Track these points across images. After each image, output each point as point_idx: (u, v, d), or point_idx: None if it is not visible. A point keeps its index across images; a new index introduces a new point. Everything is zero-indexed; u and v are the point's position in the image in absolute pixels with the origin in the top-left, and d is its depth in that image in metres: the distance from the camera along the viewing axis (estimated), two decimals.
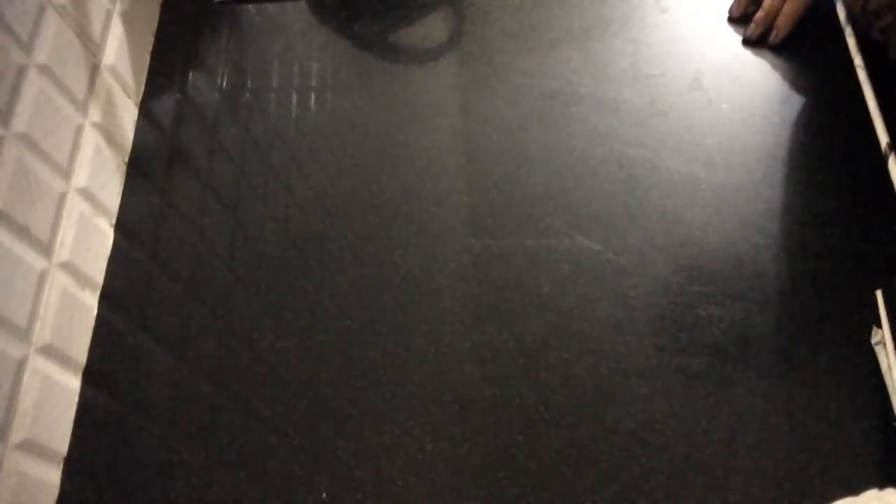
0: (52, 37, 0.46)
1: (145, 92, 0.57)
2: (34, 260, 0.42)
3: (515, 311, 0.46)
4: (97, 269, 0.49)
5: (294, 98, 0.57)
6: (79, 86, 0.48)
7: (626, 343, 0.44)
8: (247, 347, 0.47)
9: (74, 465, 0.43)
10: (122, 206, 0.52)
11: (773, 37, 0.53)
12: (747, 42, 0.54)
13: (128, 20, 0.55)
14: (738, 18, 0.56)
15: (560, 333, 0.45)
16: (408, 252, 0.49)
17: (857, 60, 0.49)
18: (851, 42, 0.49)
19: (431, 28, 0.59)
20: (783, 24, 0.53)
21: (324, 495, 0.41)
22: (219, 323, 0.47)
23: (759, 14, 0.54)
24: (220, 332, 0.47)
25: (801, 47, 0.54)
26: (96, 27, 0.51)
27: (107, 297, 0.48)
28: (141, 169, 0.53)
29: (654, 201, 0.49)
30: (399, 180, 0.52)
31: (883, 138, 0.46)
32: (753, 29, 0.54)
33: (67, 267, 0.45)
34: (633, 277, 0.46)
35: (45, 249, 0.43)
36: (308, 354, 0.46)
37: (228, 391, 0.45)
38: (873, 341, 0.42)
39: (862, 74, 0.48)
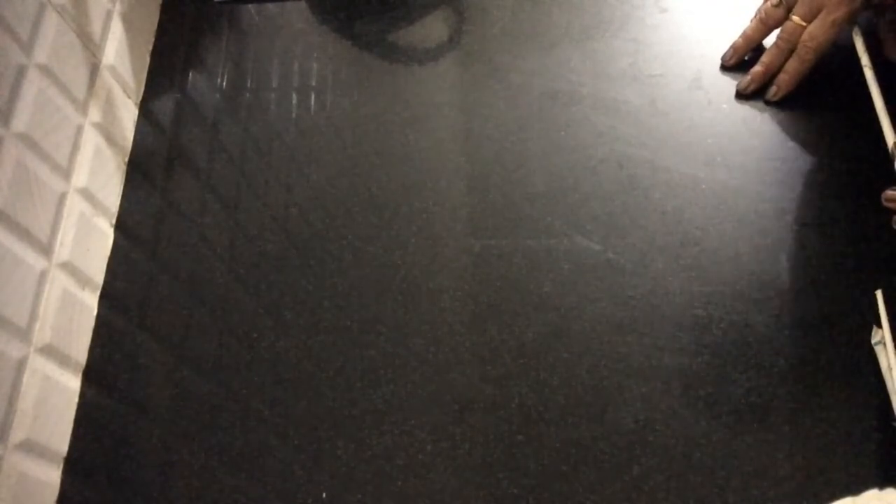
0: (52, 37, 0.46)
1: (145, 92, 0.57)
2: (34, 260, 0.42)
3: (515, 311, 0.46)
4: (97, 269, 0.49)
5: (294, 98, 0.57)
6: (79, 86, 0.48)
7: (626, 343, 0.44)
8: (247, 347, 0.47)
9: (74, 465, 0.43)
10: (122, 206, 0.52)
11: (773, 94, 0.50)
12: (740, 95, 0.51)
13: (128, 20, 0.55)
14: (733, 67, 0.52)
15: (560, 333, 0.45)
16: (408, 252, 0.49)
17: (864, 60, 0.48)
18: (858, 42, 0.49)
19: (431, 28, 0.59)
20: (785, 82, 0.49)
21: (324, 495, 0.42)
22: (219, 323, 0.47)
23: (758, 69, 0.50)
24: (220, 332, 0.47)
25: None
26: (96, 27, 0.51)
27: (107, 297, 0.49)
28: (141, 169, 0.53)
29: (654, 201, 0.49)
30: (399, 180, 0.52)
31: (890, 138, 0.45)
32: (748, 83, 0.50)
33: (67, 267, 0.45)
34: (633, 277, 0.46)
35: (45, 249, 0.43)
36: (308, 354, 0.46)
37: (228, 391, 0.45)
38: (873, 341, 0.42)
39: (868, 74, 0.48)
